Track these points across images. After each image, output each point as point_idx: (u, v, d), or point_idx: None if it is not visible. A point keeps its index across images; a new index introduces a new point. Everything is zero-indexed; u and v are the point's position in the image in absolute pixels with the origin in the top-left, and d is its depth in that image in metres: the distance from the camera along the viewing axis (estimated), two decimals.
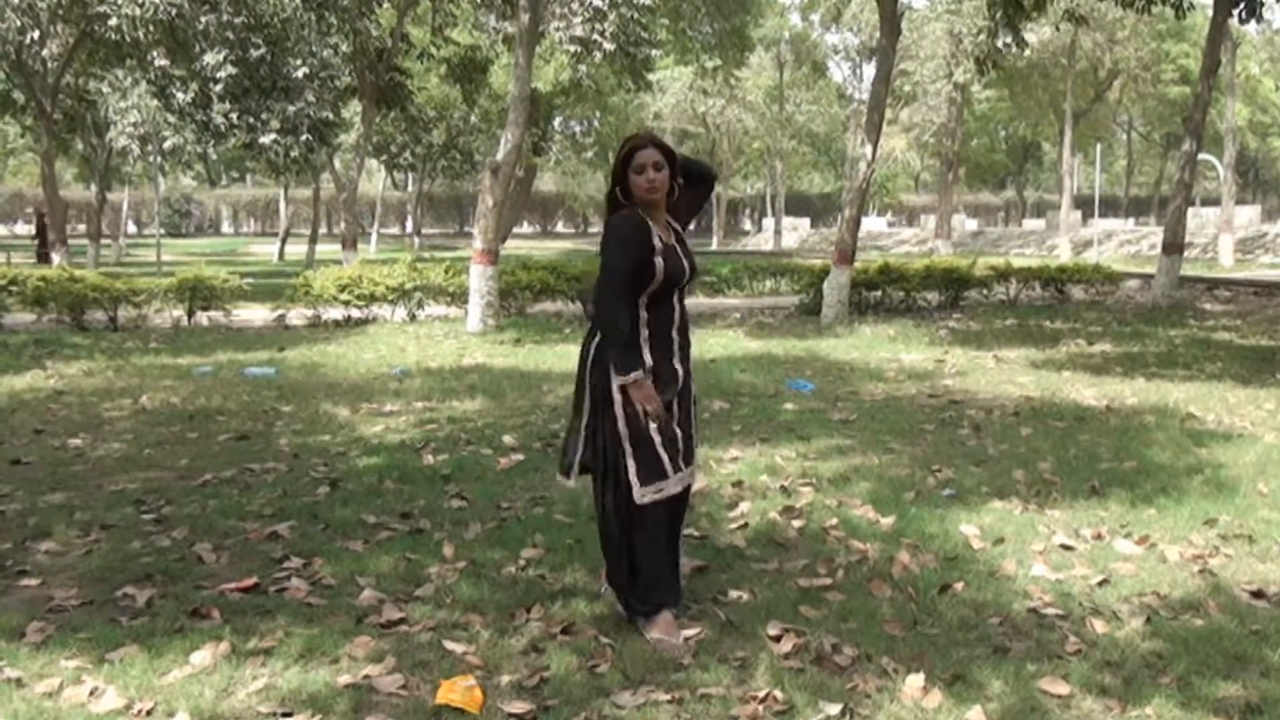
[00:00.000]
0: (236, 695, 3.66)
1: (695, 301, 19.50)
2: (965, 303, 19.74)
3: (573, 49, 22.61)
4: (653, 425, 4.07)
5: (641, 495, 4.05)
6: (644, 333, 4.14)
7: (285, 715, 3.51)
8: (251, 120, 26.45)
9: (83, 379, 10.83)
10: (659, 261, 4.07)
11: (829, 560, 4.97)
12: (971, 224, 61.42)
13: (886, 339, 14.56)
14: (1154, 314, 18.06)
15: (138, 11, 19.92)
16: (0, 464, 7.08)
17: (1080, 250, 39.27)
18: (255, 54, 25.40)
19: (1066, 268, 21.68)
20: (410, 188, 61.24)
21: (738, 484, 6.41)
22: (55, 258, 23.40)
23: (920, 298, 19.34)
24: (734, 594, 4.55)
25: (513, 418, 8.65)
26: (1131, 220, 58.69)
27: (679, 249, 4.21)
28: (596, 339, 4.15)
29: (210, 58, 24.71)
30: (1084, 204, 52.08)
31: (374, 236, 49.80)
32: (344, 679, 3.76)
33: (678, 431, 4.18)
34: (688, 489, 4.34)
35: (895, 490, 6.24)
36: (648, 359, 4.12)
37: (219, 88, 25.72)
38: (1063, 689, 3.65)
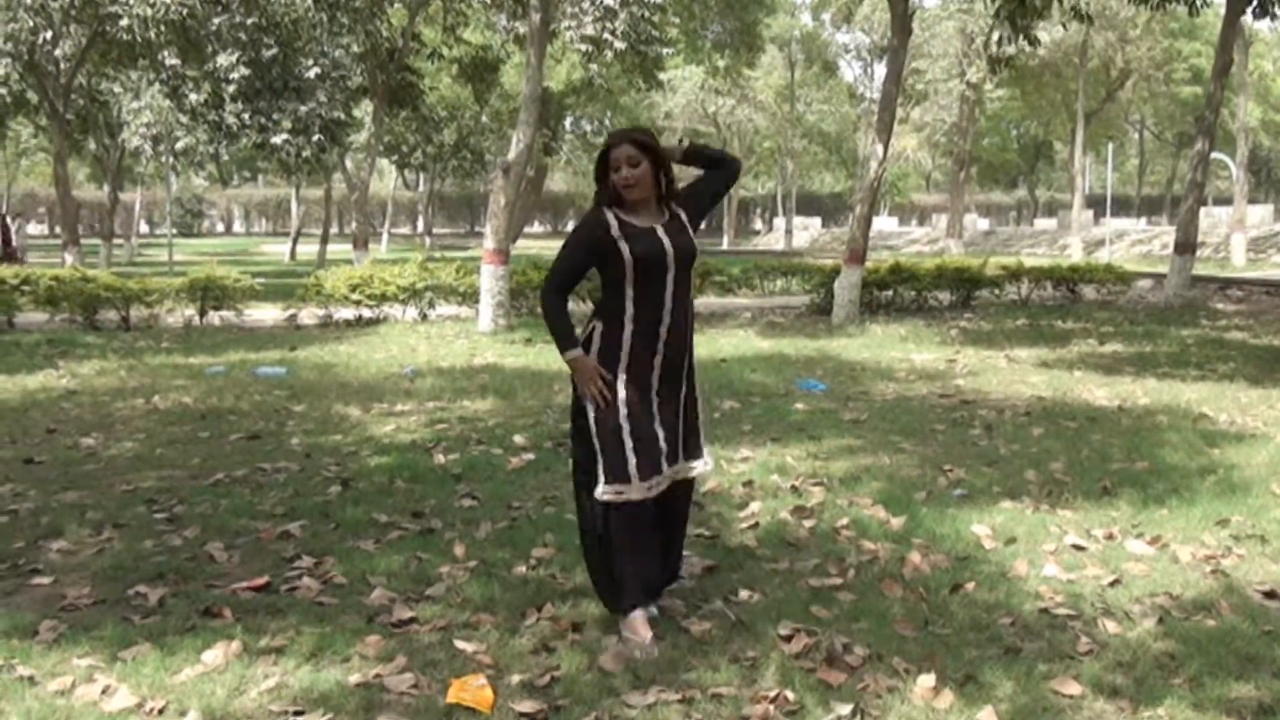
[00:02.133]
0: (248, 694, 3.67)
1: (706, 301, 19.49)
2: (977, 302, 19.70)
3: (584, 48, 22.64)
4: (625, 424, 4.06)
5: (601, 492, 4.05)
6: (627, 329, 4.10)
7: (296, 714, 3.52)
8: (263, 120, 26.52)
9: (95, 378, 10.86)
10: (623, 246, 4.05)
11: (840, 560, 4.96)
12: (983, 223, 61.31)
13: (898, 339, 14.54)
14: (1166, 314, 18.01)
15: (149, 12, 19.98)
16: (13, 463, 7.10)
17: (1092, 250, 39.17)
18: (267, 54, 25.47)
19: (1078, 267, 21.64)
20: (421, 187, 61.35)
21: (748, 484, 6.40)
22: (68, 257, 23.46)
23: (931, 297, 19.32)
24: (745, 594, 4.55)
25: (524, 417, 8.66)
26: (1143, 220, 58.58)
27: (662, 230, 4.13)
28: (585, 333, 4.20)
29: (223, 58, 24.77)
30: (1096, 203, 51.92)
31: (385, 236, 49.90)
32: (355, 678, 3.76)
33: (658, 432, 4.13)
34: (684, 496, 4.31)
35: (906, 490, 6.23)
36: (623, 358, 4.09)
37: (231, 88, 25.79)
38: (1074, 689, 3.64)
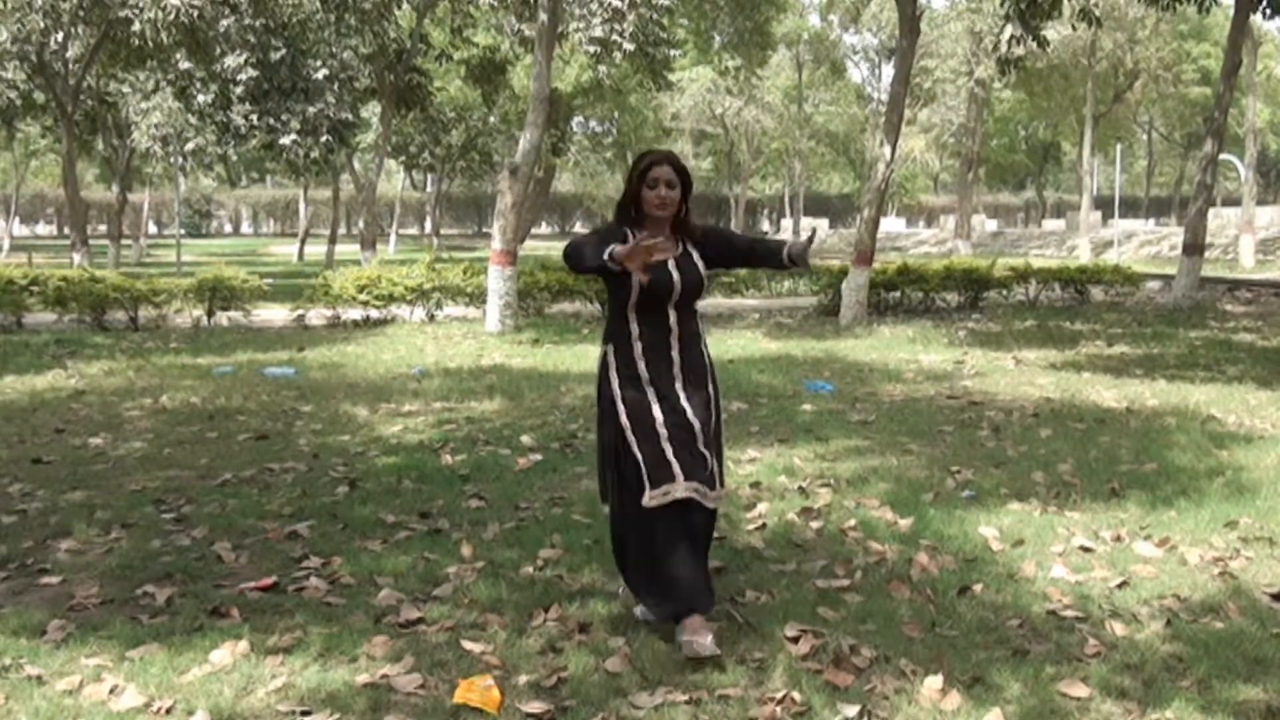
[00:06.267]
0: (255, 694, 3.67)
1: (713, 302, 19.51)
2: (984, 304, 19.68)
3: (592, 49, 22.63)
4: (662, 431, 4.05)
5: (649, 499, 4.02)
6: (637, 347, 4.14)
7: (304, 714, 3.52)
8: (272, 121, 26.56)
9: (103, 379, 10.88)
10: (636, 273, 4.07)
11: (847, 561, 4.96)
12: (991, 225, 61.24)
13: (905, 340, 14.52)
14: (1174, 315, 17.97)
15: (160, 15, 20.02)
16: (22, 463, 7.12)
17: (1100, 251, 39.10)
18: (275, 55, 25.51)
19: (1086, 269, 21.60)
20: (429, 188, 61.42)
21: (755, 485, 6.40)
22: (77, 258, 23.53)
23: (939, 298, 19.30)
24: (752, 595, 4.54)
25: (531, 418, 8.66)
26: (1152, 221, 58.45)
27: (673, 263, 4.17)
28: (600, 356, 4.24)
29: (231, 59, 24.81)
30: (1104, 204, 51.88)
31: (393, 237, 49.90)
32: (362, 678, 3.76)
33: (700, 447, 4.12)
34: (712, 513, 4.25)
35: (914, 491, 6.23)
36: (643, 373, 4.12)
37: (240, 89, 25.84)
38: (1082, 691, 3.64)
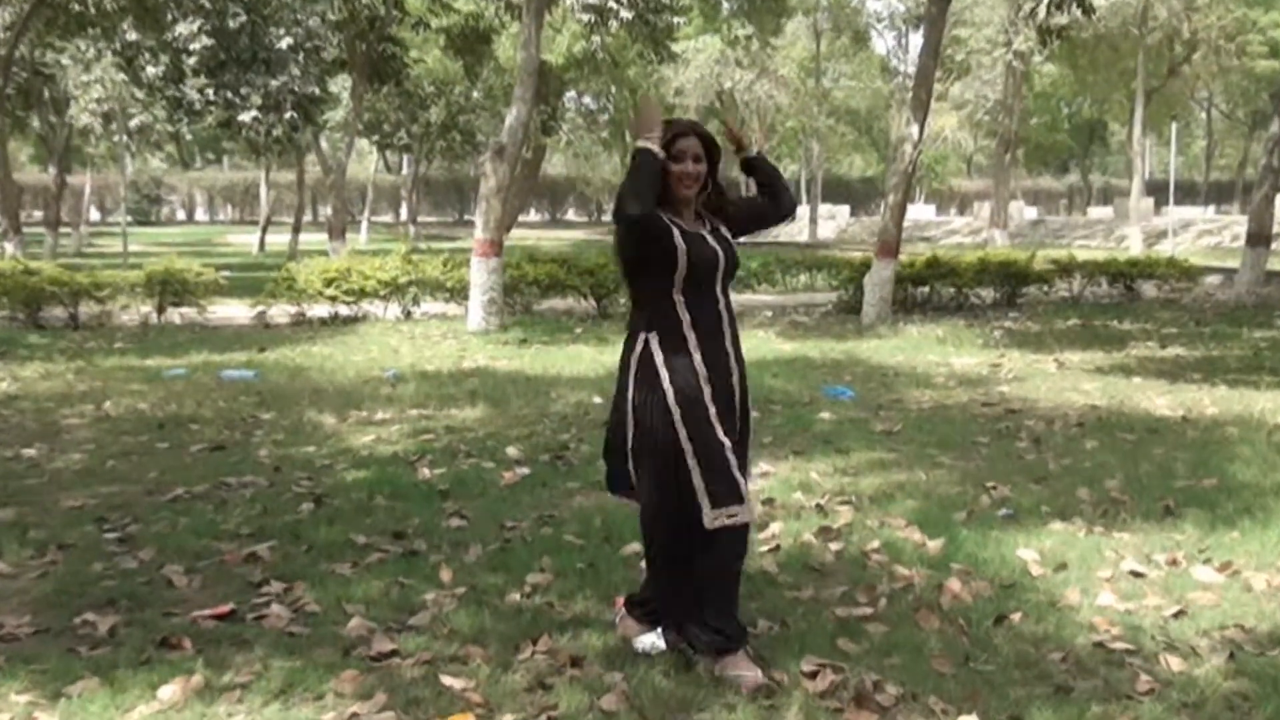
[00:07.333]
0: None
1: None
2: (1023, 300, 19.70)
3: (586, 17, 22.64)
4: (724, 442, 4.03)
5: (713, 519, 3.99)
6: (690, 337, 4.08)
7: None
8: (229, 96, 26.58)
9: (39, 382, 10.88)
10: (680, 243, 4.04)
11: (870, 588, 4.95)
12: (1030, 212, 61.24)
13: (935, 340, 14.53)
14: (1237, 313, 17.98)
15: None
16: None
17: (1153, 242, 39.12)
18: (233, 23, 25.51)
19: (1137, 261, 21.63)
20: (405, 171, 61.41)
21: (768, 502, 6.39)
22: (9, 247, 23.52)
23: (973, 294, 19.33)
24: (764, 624, 4.54)
25: (517, 427, 8.66)
26: (1212, 208, 58.48)
27: (709, 237, 4.18)
28: (636, 350, 4.14)
29: (183, 27, 24.82)
30: (1157, 190, 51.89)
31: (364, 225, 49.86)
32: (329, 717, 3.76)
33: (739, 459, 4.13)
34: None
35: (945, 510, 6.22)
36: (700, 369, 4.06)
37: (193, 60, 25.86)
38: None
